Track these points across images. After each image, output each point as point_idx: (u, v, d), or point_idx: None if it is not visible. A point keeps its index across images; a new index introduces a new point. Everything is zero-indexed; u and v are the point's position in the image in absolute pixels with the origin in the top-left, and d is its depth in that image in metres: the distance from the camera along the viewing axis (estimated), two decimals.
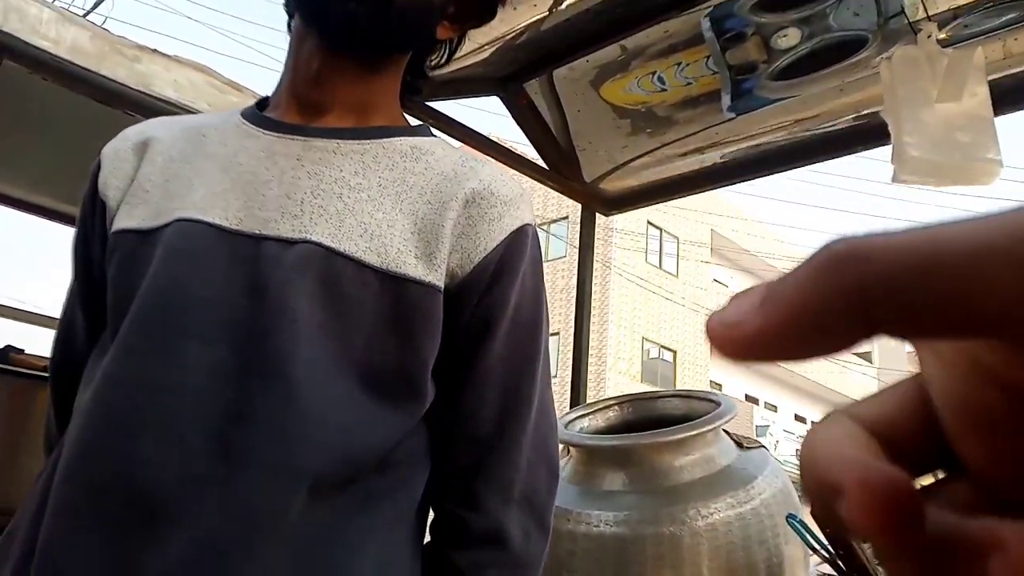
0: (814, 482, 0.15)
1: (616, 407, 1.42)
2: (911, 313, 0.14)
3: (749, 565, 1.11)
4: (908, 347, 0.17)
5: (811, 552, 1.11)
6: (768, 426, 17.97)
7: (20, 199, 3.04)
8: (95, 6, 6.98)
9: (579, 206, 2.28)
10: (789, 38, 1.63)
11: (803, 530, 1.11)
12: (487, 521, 0.75)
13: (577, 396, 2.15)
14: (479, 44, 1.67)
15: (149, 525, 0.62)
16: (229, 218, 0.72)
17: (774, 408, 21.40)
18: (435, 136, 0.85)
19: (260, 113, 0.81)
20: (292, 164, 0.75)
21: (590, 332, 2.25)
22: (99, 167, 0.80)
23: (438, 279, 0.73)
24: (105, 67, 1.86)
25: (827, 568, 1.09)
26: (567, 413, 1.43)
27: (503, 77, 1.90)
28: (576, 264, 2.29)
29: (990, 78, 1.45)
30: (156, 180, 0.77)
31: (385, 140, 0.79)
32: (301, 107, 0.80)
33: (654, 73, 1.80)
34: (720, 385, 19.07)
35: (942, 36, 1.49)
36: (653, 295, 17.70)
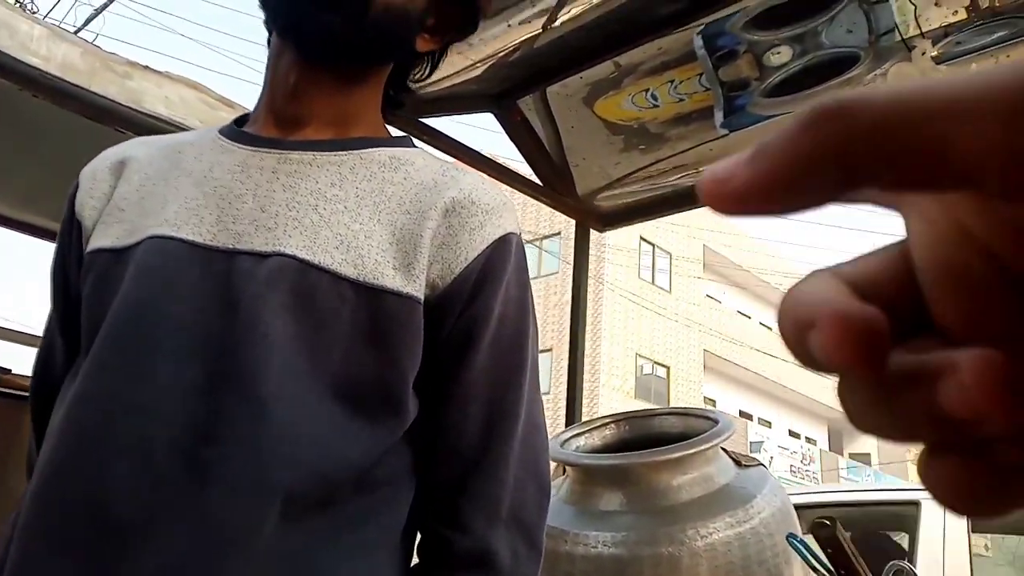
0: (790, 321, 0.16)
1: (612, 425, 1.41)
2: (892, 162, 0.15)
3: None
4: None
5: (812, 572, 1.09)
6: (762, 442, 17.90)
7: (9, 217, 3.02)
8: (86, 23, 7.00)
9: (572, 222, 2.28)
10: (781, 55, 1.63)
11: (804, 550, 1.09)
12: (472, 541, 0.72)
13: (573, 414, 2.13)
14: (472, 61, 1.67)
15: (120, 548, 0.61)
16: (203, 233, 0.71)
17: (768, 424, 21.37)
18: (416, 147, 0.83)
19: (238, 128, 0.80)
20: (267, 177, 0.74)
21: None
22: (77, 188, 0.79)
23: (417, 290, 0.71)
24: (96, 84, 1.85)
25: None
26: (563, 432, 1.42)
27: (497, 94, 1.90)
28: (569, 280, 2.28)
29: None
30: (132, 199, 0.76)
31: (363, 151, 0.77)
32: (279, 121, 0.79)
33: (647, 90, 1.81)
34: (714, 401, 19.06)
35: (935, 53, 1.50)
36: (646, 311, 17.72)
